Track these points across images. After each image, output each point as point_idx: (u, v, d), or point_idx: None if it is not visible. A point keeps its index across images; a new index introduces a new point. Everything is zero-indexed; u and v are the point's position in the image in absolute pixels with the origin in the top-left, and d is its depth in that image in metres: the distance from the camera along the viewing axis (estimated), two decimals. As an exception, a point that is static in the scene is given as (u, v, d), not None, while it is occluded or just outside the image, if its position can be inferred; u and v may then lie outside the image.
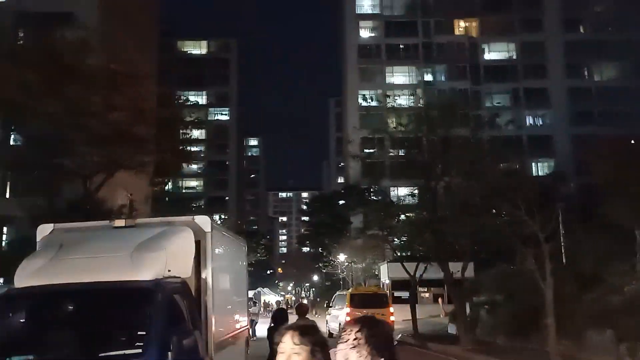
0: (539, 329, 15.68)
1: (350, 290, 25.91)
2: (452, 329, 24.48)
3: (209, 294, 6.26)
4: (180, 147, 15.88)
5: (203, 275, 6.31)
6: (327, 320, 27.21)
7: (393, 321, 22.34)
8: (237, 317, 8.06)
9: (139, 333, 4.76)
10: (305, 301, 67.89)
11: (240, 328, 8.27)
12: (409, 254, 30.17)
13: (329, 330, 24.88)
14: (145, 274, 5.22)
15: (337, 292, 30.90)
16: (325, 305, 55.72)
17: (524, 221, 16.30)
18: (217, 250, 6.59)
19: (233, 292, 7.96)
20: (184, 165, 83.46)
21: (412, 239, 26.04)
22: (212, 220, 6.58)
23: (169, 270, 5.65)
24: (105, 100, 13.00)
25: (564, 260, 20.55)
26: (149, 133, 13.72)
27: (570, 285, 15.96)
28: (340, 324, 22.77)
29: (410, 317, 25.31)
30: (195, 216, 6.52)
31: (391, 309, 22.73)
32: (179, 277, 5.87)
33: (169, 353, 4.61)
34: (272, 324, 8.82)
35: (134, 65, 14.94)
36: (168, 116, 14.34)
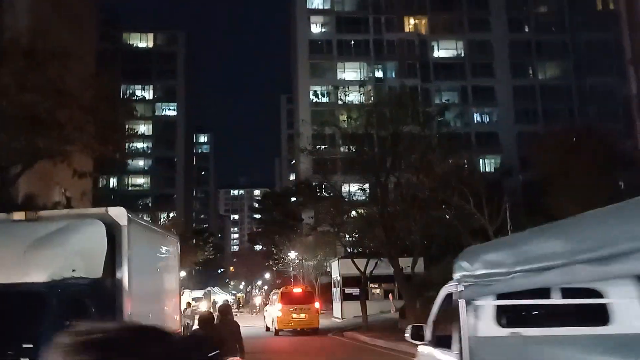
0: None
1: (281, 290, 28.67)
2: (402, 325, 24.33)
3: (125, 296, 5.48)
4: (114, 137, 14.66)
5: (118, 275, 5.52)
6: (264, 317, 30.34)
7: (318, 314, 25.93)
8: (164, 321, 7.26)
9: (24, 346, 3.95)
10: (257, 299, 66.80)
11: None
12: (359, 250, 29.92)
13: (266, 325, 28.52)
14: (39, 274, 4.42)
15: (273, 291, 34.41)
16: (261, 303, 55.27)
17: (473, 214, 16.30)
18: (136, 247, 5.80)
19: (158, 294, 7.16)
20: (128, 161, 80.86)
21: (363, 234, 25.80)
22: (130, 212, 5.78)
23: (74, 270, 4.85)
24: (17, 79, 11.80)
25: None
26: (71, 118, 12.60)
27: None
28: (273, 319, 26.22)
29: (361, 314, 24.97)
30: (109, 207, 5.69)
31: (316, 305, 25.96)
32: (87, 278, 5.07)
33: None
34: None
35: (60, 45, 13.72)
36: (97, 101, 13.23)
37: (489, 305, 4.56)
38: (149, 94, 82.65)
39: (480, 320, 4.56)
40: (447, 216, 19.81)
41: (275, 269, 52.43)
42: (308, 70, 63.39)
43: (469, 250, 4.50)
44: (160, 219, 49.25)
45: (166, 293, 7.70)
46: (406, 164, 18.67)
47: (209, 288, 66.66)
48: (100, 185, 76.37)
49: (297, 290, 28.06)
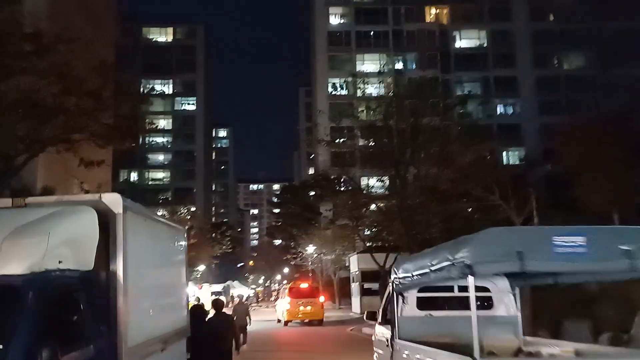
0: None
1: (289, 285, 32.54)
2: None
3: (120, 291, 5.03)
4: (126, 127, 14.29)
5: (112, 268, 5.06)
6: (276, 309, 33.07)
7: (323, 307, 28.72)
8: (168, 317, 6.81)
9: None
10: (275, 294, 66.74)
11: (175, 330, 7.00)
12: (379, 244, 29.30)
13: (277, 317, 30.41)
14: (17, 266, 3.98)
15: (284, 285, 39.24)
16: (274, 297, 55.41)
17: (498, 206, 15.60)
18: (133, 237, 5.34)
19: (161, 289, 6.70)
20: (148, 155, 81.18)
21: (382, 228, 25.22)
22: (127, 199, 5.32)
23: (60, 262, 4.41)
24: (18, 62, 11.52)
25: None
26: (78, 106, 12.27)
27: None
28: (282, 312, 28.68)
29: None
30: (103, 194, 5.23)
31: (321, 299, 29.19)
32: (77, 271, 4.62)
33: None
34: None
35: (71, 32, 13.42)
36: (105, 87, 12.92)
37: (412, 295, 7.27)
38: (168, 89, 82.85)
39: (407, 305, 7.24)
40: (470, 209, 19.08)
41: (293, 263, 52.07)
42: (327, 62, 62.72)
43: (398, 260, 7.92)
44: (180, 212, 49.24)
45: (170, 288, 7.24)
46: (426, 155, 17.99)
47: (228, 282, 66.80)
48: (121, 180, 76.95)
49: (304, 285, 30.78)
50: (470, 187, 17.20)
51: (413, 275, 5.84)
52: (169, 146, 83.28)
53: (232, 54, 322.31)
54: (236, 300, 30.34)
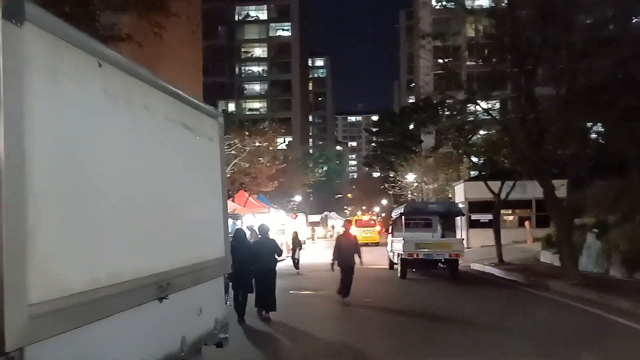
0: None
1: (355, 218, 44.58)
2: (545, 257, 20.02)
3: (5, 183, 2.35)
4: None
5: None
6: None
7: (379, 233, 41.01)
8: (173, 246, 4.10)
9: None
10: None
11: (193, 266, 4.37)
12: (487, 173, 25.05)
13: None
14: None
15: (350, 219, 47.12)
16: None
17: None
18: (47, 82, 2.62)
19: (159, 196, 3.92)
20: (244, 85, 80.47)
21: (497, 151, 21.16)
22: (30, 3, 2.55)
23: None
24: None
25: None
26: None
27: None
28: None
29: (493, 244, 21.01)
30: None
31: (377, 227, 42.46)
32: None
33: None
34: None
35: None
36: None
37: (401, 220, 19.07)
38: (263, 14, 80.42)
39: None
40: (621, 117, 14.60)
41: (391, 192, 49.22)
42: (429, -26, 56.19)
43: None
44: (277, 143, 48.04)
45: (184, 198, 4.49)
46: (565, 45, 13.66)
47: (325, 213, 65.91)
48: (220, 111, 77.28)
49: (365, 218, 44.50)
50: (626, 89, 12.86)
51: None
52: (264, 75, 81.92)
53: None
54: (339, 231, 29.79)
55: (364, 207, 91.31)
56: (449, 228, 20.19)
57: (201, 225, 4.77)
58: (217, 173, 5.30)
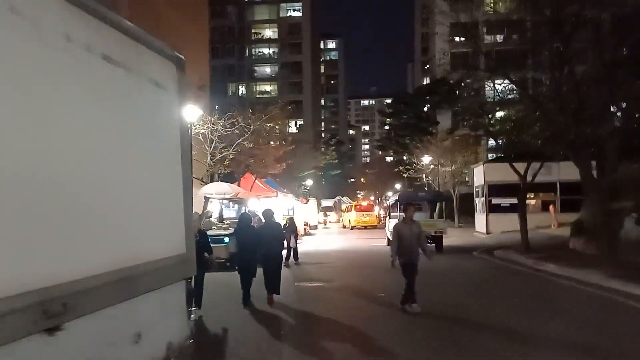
0: None
1: (354, 203, 48.34)
2: (575, 244, 18.33)
3: None
4: None
5: None
6: (342, 220, 49.41)
7: (377, 217, 44.71)
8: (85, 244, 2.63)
9: None
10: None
11: (126, 269, 2.89)
12: (511, 154, 23.14)
13: (343, 224, 46.23)
14: None
15: (351, 204, 49.54)
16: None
17: None
18: None
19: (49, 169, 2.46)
20: (255, 67, 78.78)
21: (522, 130, 19.31)
22: None
23: None
24: None
25: None
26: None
27: None
28: (349, 220, 43.86)
29: (515, 229, 19.31)
30: None
31: (375, 211, 45.66)
32: None
33: None
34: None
35: None
36: None
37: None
38: (272, -7, 78.39)
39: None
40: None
41: (406, 175, 47.47)
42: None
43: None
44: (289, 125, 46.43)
45: (105, 176, 2.98)
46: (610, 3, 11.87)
47: (338, 197, 64.42)
48: (230, 93, 75.77)
49: (364, 203, 46.80)
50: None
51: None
52: (275, 57, 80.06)
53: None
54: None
55: (377, 192, 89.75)
56: (439, 212, 22.30)
57: (141, 210, 3.26)
58: (174, 137, 3.78)
